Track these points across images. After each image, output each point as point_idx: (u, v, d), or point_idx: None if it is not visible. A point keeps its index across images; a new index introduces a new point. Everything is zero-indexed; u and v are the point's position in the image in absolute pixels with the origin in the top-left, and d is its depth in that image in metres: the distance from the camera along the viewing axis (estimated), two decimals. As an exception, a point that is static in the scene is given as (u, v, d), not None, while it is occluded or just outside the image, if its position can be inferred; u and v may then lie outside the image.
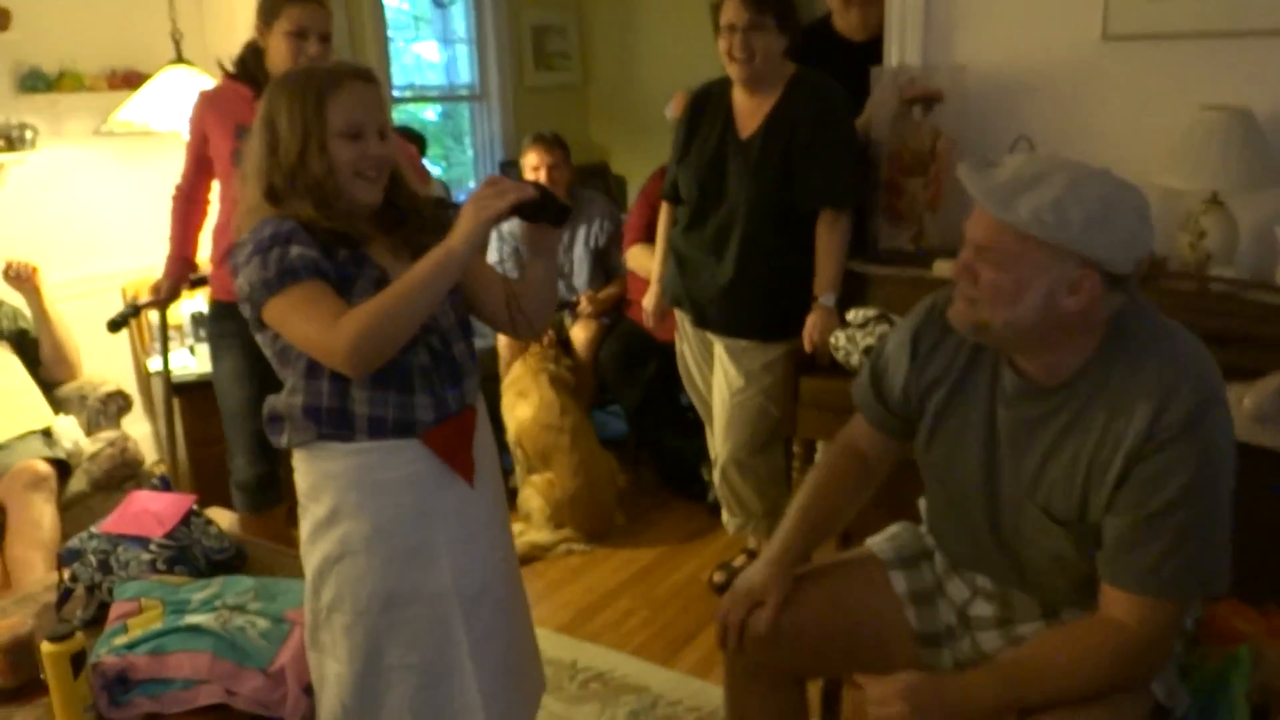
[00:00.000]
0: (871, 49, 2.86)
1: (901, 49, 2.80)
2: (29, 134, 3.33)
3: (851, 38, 2.99)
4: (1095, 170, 1.38)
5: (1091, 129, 2.55)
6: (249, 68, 2.55)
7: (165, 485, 2.30)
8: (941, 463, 1.61)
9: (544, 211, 1.54)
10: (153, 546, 2.06)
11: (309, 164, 1.51)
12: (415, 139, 4.58)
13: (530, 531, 3.27)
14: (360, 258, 1.55)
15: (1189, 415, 1.33)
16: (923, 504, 1.79)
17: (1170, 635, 1.40)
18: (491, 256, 3.80)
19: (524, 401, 3.39)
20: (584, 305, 3.79)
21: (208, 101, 2.63)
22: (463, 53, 5.54)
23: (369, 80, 1.56)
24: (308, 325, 1.47)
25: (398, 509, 1.58)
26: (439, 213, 1.68)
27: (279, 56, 2.45)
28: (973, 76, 2.69)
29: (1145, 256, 1.38)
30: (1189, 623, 1.58)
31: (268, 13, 2.45)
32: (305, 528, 1.64)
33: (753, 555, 2.99)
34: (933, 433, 1.61)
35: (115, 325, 2.93)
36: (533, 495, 3.32)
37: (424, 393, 1.56)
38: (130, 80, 3.54)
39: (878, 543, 1.79)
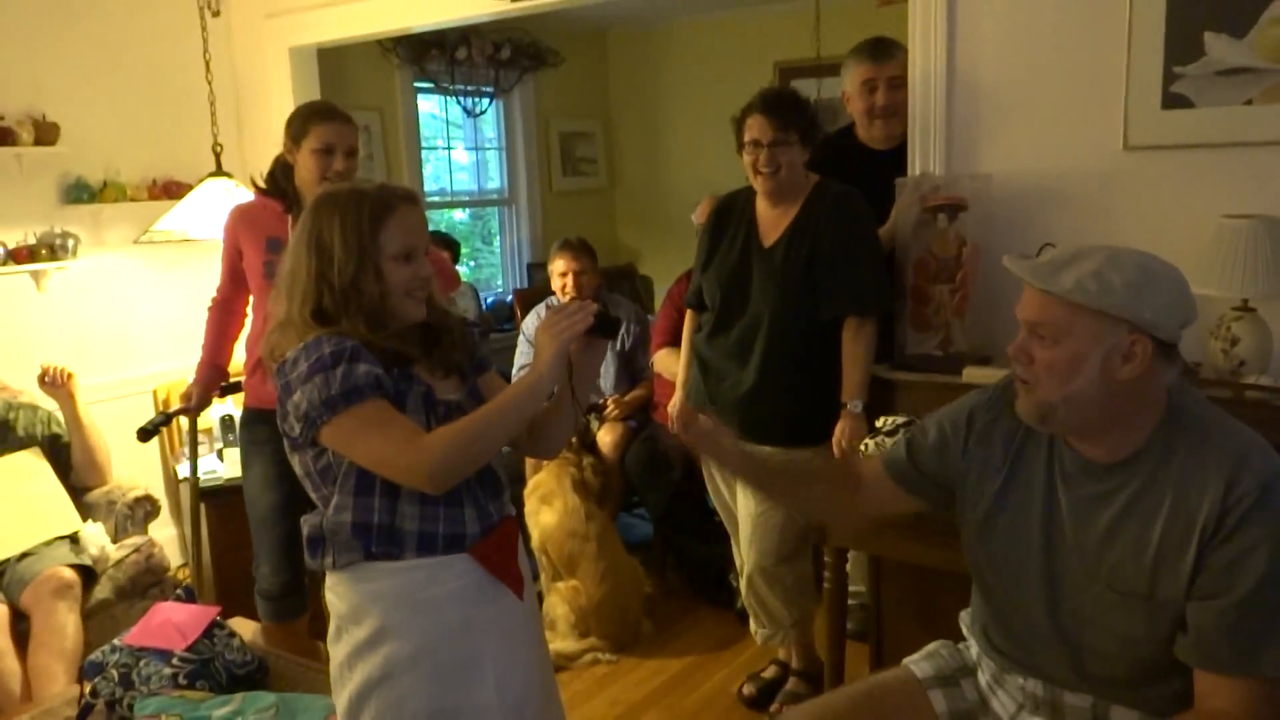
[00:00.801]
0: (895, 158, 2.90)
1: (925, 158, 2.84)
2: (71, 242, 3.43)
3: (874, 148, 3.04)
4: (1131, 248, 1.43)
5: (1116, 237, 2.55)
6: (279, 183, 2.63)
7: (190, 596, 2.29)
8: (999, 550, 1.58)
9: (600, 327, 1.58)
10: (175, 660, 2.04)
11: (364, 286, 1.54)
12: (450, 245, 4.67)
13: (556, 640, 3.21)
14: (409, 374, 1.57)
15: (1262, 486, 1.34)
16: (965, 616, 1.74)
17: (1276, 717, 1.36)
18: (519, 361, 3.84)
19: (548, 508, 3.36)
20: (611, 409, 3.79)
21: (240, 215, 2.71)
22: (492, 157, 5.68)
23: (415, 203, 1.61)
24: (384, 443, 1.49)
25: (445, 625, 1.58)
26: (468, 331, 1.72)
27: (307, 172, 2.54)
28: (997, 185, 2.72)
29: (1190, 321, 1.41)
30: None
31: (296, 131, 2.54)
32: (342, 651, 1.61)
33: (783, 665, 2.91)
34: (988, 519, 1.59)
35: (146, 434, 2.96)
36: (558, 603, 3.27)
37: (470, 506, 1.59)
38: (170, 190, 3.65)
39: (915, 661, 1.75)
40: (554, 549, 3.33)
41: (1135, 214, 2.56)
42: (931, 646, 1.77)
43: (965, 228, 2.72)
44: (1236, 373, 2.29)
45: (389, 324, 1.56)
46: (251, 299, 2.80)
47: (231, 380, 2.93)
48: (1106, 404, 1.41)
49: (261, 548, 2.68)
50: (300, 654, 2.34)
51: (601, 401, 3.83)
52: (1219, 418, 1.45)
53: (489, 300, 5.44)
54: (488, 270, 5.82)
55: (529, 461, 3.67)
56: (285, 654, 2.24)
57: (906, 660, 1.76)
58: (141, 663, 2.00)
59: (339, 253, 1.53)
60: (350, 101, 4.63)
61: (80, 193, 3.49)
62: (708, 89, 5.52)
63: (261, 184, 2.69)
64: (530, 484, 3.50)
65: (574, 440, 3.65)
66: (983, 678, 1.68)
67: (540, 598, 3.33)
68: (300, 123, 2.54)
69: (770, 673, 2.92)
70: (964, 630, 1.75)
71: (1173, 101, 2.48)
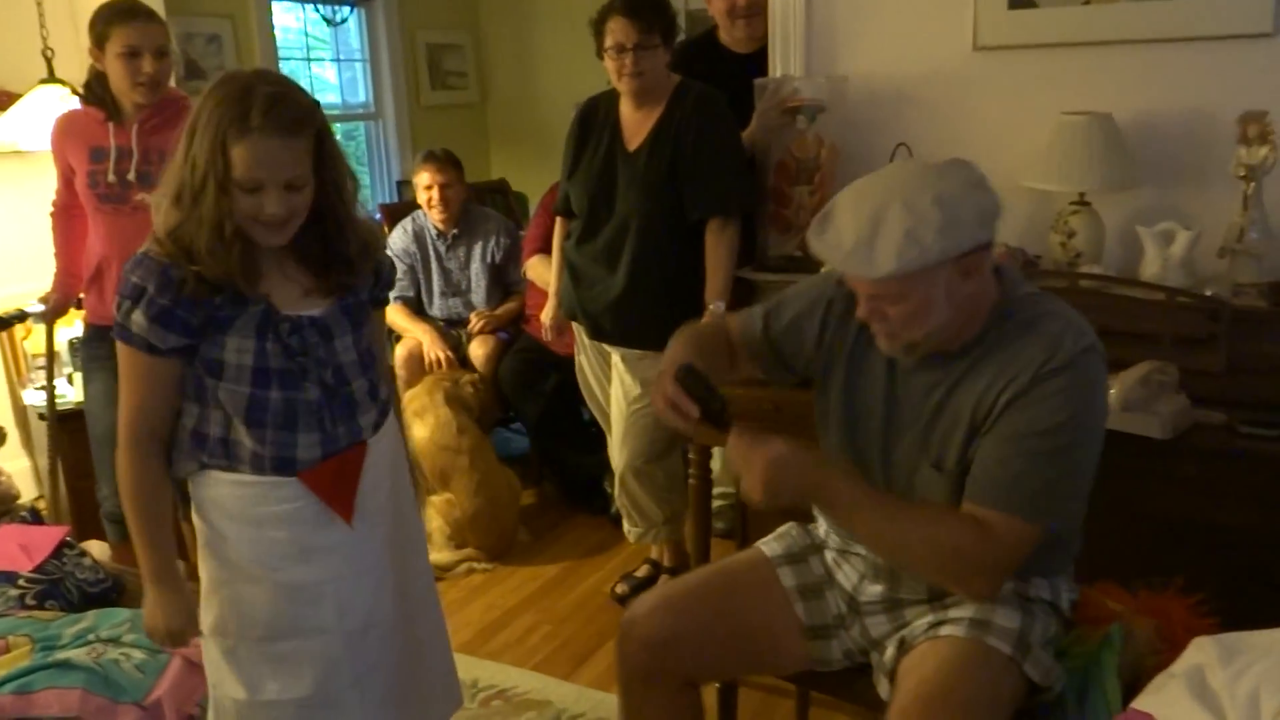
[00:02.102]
0: (756, 61, 2.91)
1: (785, 61, 2.86)
2: (-111, 156, 3.18)
3: (737, 50, 3.03)
4: (915, 176, 1.46)
5: (965, 136, 2.63)
6: (96, 91, 2.54)
7: (35, 518, 2.20)
8: (846, 434, 1.65)
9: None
10: (21, 581, 1.97)
11: (207, 195, 1.42)
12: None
13: (432, 552, 3.21)
14: (239, 299, 1.48)
15: (1071, 357, 1.43)
16: None
17: (1016, 560, 1.46)
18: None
19: (419, 422, 3.33)
20: (476, 323, 3.76)
21: (62, 125, 2.63)
22: (357, 70, 5.47)
23: (286, 133, 1.42)
24: (126, 395, 1.51)
25: (275, 544, 1.55)
26: (366, 260, 1.61)
27: (117, 78, 2.45)
28: (854, 87, 2.76)
29: (999, 213, 1.46)
30: (1065, 605, 1.63)
31: (99, 35, 2.44)
32: (199, 539, 1.59)
33: (655, 564, 2.99)
34: (837, 405, 1.66)
35: (3, 324, 2.94)
36: (433, 516, 3.27)
37: (310, 431, 1.53)
38: (1, 101, 3.40)
39: (766, 542, 1.81)
40: (426, 463, 3.31)
41: (983, 114, 2.64)
42: (782, 528, 1.84)
43: (824, 129, 2.76)
44: (1073, 264, 2.40)
45: (234, 240, 1.45)
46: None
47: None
48: (957, 315, 1.47)
49: (103, 467, 2.60)
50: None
51: (471, 317, 3.80)
52: (1047, 304, 1.52)
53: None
54: (361, 192, 5.66)
55: (401, 376, 3.63)
56: (138, 571, 2.18)
57: (758, 542, 1.82)
58: (-16, 585, 1.93)
59: (195, 148, 1.42)
60: (198, 8, 4.38)
61: (-104, 103, 3.23)
62: (579, -1, 5.40)
63: (81, 91, 2.59)
64: (404, 398, 3.46)
65: (448, 355, 3.63)
66: (829, 554, 1.75)
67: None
68: (102, 25, 2.42)
69: (643, 572, 3.00)
70: (814, 510, 1.82)
71: (1019, 2, 2.55)
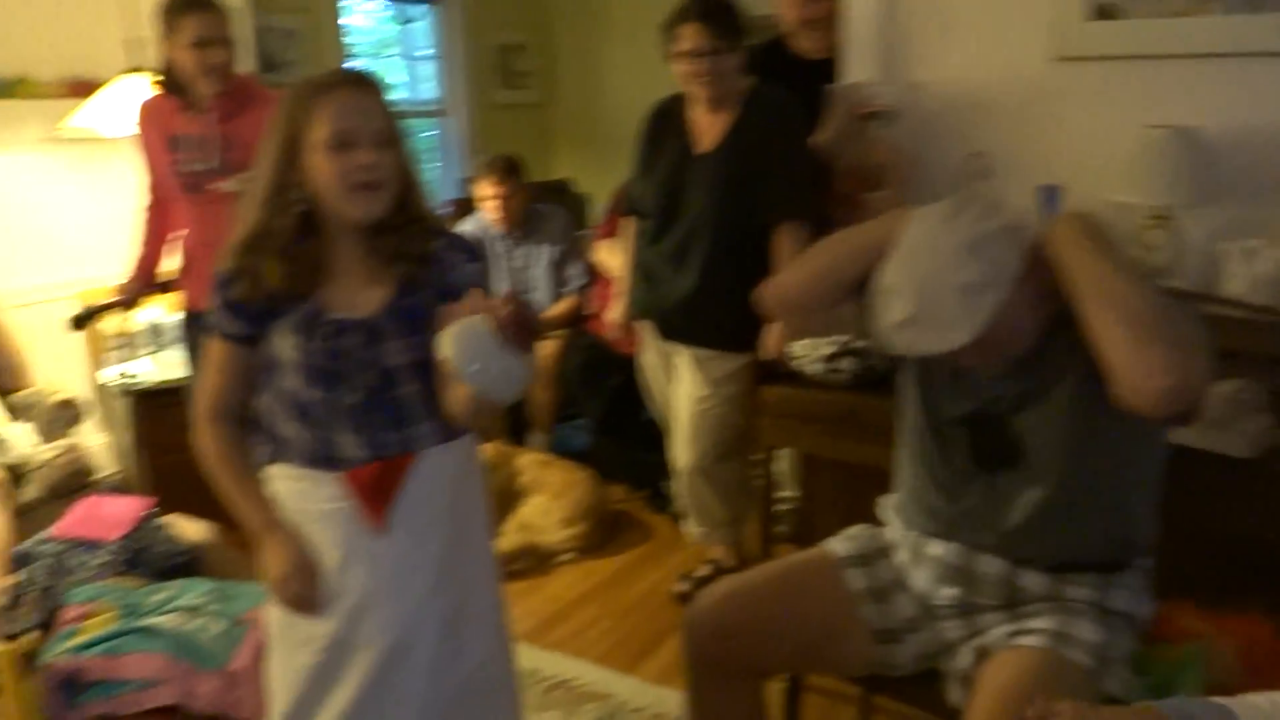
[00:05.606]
0: (826, 68, 2.92)
1: (859, 67, 2.86)
2: (-18, 141, 3.30)
3: (806, 57, 3.04)
4: (936, 229, 1.48)
5: (1043, 146, 2.62)
6: (172, 80, 2.61)
7: (119, 491, 2.27)
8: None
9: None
10: (106, 551, 2.03)
11: (289, 181, 1.45)
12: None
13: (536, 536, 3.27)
14: (294, 296, 1.50)
15: None
16: (885, 501, 1.82)
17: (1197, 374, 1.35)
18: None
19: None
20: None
21: (145, 114, 2.71)
22: (427, 70, 5.55)
23: (363, 86, 1.47)
24: (202, 380, 1.59)
25: (322, 541, 1.55)
26: (426, 243, 1.56)
27: (188, 68, 2.52)
28: (928, 94, 2.76)
29: (1023, 221, 1.50)
30: (1143, 620, 1.62)
31: (168, 26, 2.52)
32: None
33: (716, 565, 2.99)
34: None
35: (79, 322, 2.99)
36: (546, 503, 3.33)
37: (351, 432, 1.51)
38: (83, 89, 3.51)
39: (834, 542, 1.81)
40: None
41: (1064, 124, 2.62)
42: (851, 530, 1.84)
43: (896, 136, 2.76)
44: (1153, 278, 2.37)
45: (321, 227, 1.49)
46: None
47: (162, 280, 2.91)
48: (1036, 311, 1.50)
49: None
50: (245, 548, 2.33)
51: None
52: None
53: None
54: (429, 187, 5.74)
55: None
56: (222, 546, 2.24)
57: (825, 541, 1.82)
58: (72, 552, 1.99)
59: (275, 142, 1.47)
60: (278, 4, 4.47)
61: (-9, 88, 3.34)
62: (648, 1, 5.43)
63: (159, 80, 2.66)
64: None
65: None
66: (901, 556, 1.75)
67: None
68: (171, 16, 2.50)
69: (704, 571, 3.00)
70: (885, 514, 1.82)
71: (1102, 12, 2.53)
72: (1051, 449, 1.53)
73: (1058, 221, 1.51)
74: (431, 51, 5.51)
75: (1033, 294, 1.47)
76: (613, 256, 3.24)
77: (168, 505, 2.23)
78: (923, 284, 1.44)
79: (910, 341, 1.48)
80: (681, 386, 2.83)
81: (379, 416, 1.51)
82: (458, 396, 1.48)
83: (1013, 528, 1.58)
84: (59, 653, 1.71)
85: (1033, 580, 1.58)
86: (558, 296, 3.92)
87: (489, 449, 3.37)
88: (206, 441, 1.57)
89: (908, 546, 1.73)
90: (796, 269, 1.81)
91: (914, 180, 2.72)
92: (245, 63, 3.35)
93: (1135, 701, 1.50)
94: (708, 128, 2.69)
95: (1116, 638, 1.54)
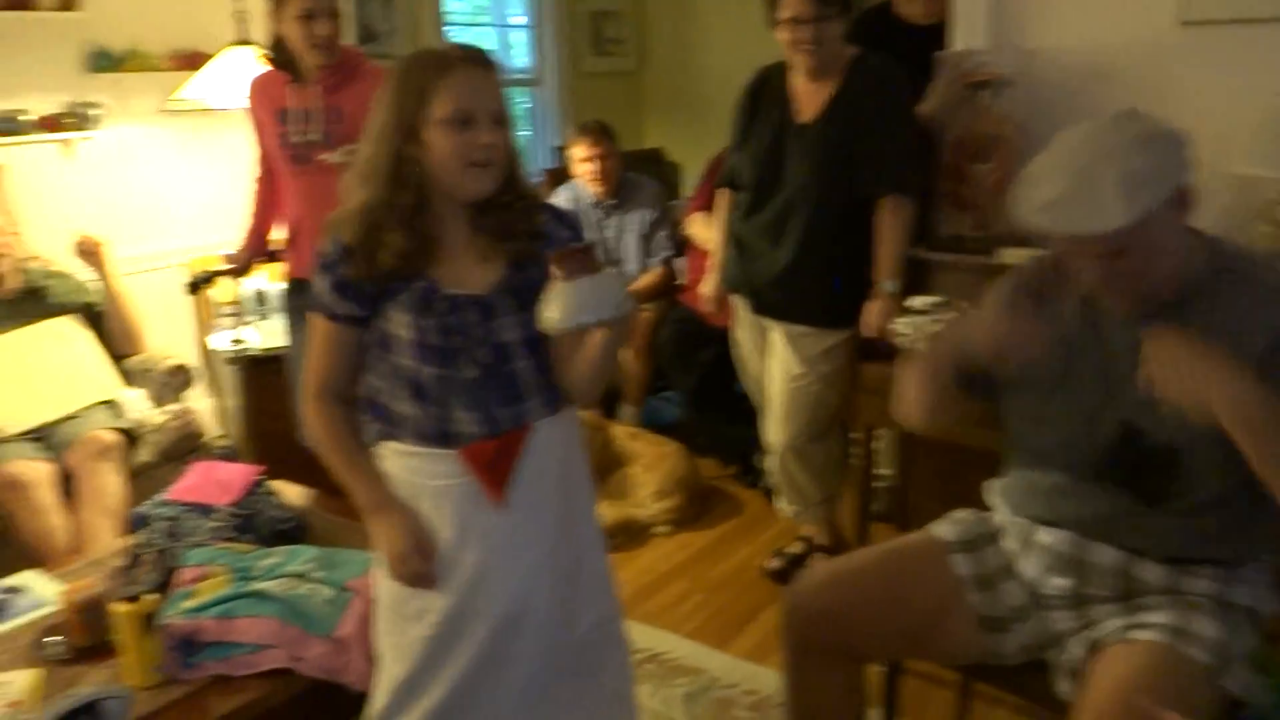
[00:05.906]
0: (934, 34, 2.82)
1: (967, 33, 2.76)
2: (97, 112, 3.41)
3: (914, 23, 2.94)
4: (1104, 130, 1.41)
5: (1165, 116, 2.48)
6: (280, 54, 2.65)
7: (231, 457, 2.34)
8: (1055, 390, 1.58)
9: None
10: (219, 515, 2.09)
11: (407, 155, 1.47)
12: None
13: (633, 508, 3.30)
14: (408, 274, 1.51)
15: None
16: (992, 485, 1.76)
17: None
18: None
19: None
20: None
21: (255, 88, 2.76)
22: (519, 39, 5.56)
23: (481, 64, 1.49)
24: (311, 359, 1.61)
25: (437, 518, 1.57)
26: (533, 219, 1.58)
27: (296, 40, 2.56)
28: (1042, 61, 2.64)
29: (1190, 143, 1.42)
30: (1265, 615, 1.55)
31: (275, 2, 2.55)
32: None
33: (808, 542, 2.97)
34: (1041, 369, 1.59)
35: (194, 287, 3.19)
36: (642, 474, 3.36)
37: (468, 409, 1.53)
38: (193, 61, 3.60)
39: (939, 526, 1.77)
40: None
41: (1188, 93, 2.48)
42: (957, 514, 1.80)
43: (1007, 105, 2.66)
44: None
45: (435, 203, 1.51)
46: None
47: (271, 249, 3.01)
48: (1178, 256, 1.43)
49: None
50: (347, 515, 2.39)
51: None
52: (1258, 255, 1.50)
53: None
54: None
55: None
56: (324, 513, 2.30)
57: (931, 526, 1.79)
58: (187, 516, 2.06)
59: (386, 118, 1.48)
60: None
61: (103, 61, 3.45)
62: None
63: (267, 53, 2.70)
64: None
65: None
66: (1009, 543, 1.70)
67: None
68: None
69: (796, 548, 2.98)
70: (990, 500, 1.77)
71: (1232, -26, 2.39)
72: (1207, 450, 1.42)
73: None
74: (524, 20, 5.51)
75: (1182, 228, 1.40)
76: (707, 229, 3.21)
77: (271, 471, 2.29)
78: (1080, 169, 1.36)
79: (1056, 220, 1.38)
80: (775, 363, 2.79)
81: (494, 392, 1.53)
82: (589, 352, 1.50)
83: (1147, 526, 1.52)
84: (176, 614, 1.77)
85: (1150, 572, 1.53)
86: (645, 268, 3.91)
87: (585, 418, 3.39)
88: (316, 421, 1.60)
89: (1016, 533, 1.69)
90: (904, 387, 1.71)
91: (1025, 153, 2.61)
92: (347, 34, 3.39)
93: (1256, 701, 1.44)
94: (809, 97, 2.63)
95: (1238, 634, 1.48)
